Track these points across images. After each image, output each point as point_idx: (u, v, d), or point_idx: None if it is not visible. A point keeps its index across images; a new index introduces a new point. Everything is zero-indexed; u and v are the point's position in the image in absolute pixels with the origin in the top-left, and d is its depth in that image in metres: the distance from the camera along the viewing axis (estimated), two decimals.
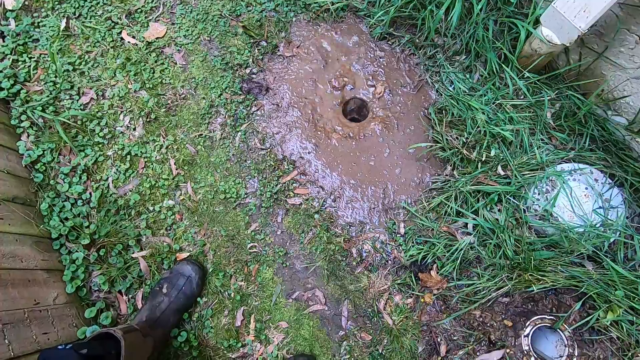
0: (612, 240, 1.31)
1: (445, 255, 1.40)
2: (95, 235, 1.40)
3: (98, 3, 1.77)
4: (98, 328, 1.29)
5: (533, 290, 1.28)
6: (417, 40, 1.71)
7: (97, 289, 1.37)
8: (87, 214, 1.44)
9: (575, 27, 1.26)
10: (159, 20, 1.78)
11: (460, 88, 1.60)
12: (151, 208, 1.50)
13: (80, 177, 1.49)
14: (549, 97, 1.50)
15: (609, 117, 1.46)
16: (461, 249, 1.38)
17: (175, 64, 1.72)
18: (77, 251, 1.37)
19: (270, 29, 1.78)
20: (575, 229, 1.30)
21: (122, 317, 1.37)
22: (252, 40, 1.76)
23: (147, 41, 1.73)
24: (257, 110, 1.67)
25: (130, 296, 1.39)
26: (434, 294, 1.39)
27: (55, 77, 1.61)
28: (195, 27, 1.77)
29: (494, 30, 1.55)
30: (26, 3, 1.72)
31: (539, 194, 1.40)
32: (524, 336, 1.28)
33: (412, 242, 1.46)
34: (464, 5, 1.52)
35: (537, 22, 1.42)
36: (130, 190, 1.51)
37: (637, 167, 1.40)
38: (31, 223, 1.32)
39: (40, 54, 1.65)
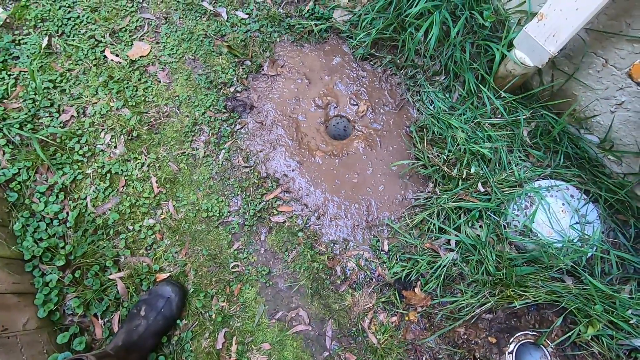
0: (589, 255, 1.34)
1: (428, 272, 1.40)
2: (71, 256, 1.35)
3: (82, 22, 1.77)
4: (70, 355, 1.23)
5: (515, 306, 1.29)
6: (398, 61, 1.76)
7: (71, 312, 1.32)
8: (63, 234, 1.39)
9: (546, 50, 1.32)
10: (143, 39, 1.79)
11: (440, 107, 1.64)
12: (131, 227, 1.46)
13: (57, 196, 1.45)
14: (524, 116, 1.55)
15: (582, 135, 1.52)
16: (444, 266, 1.38)
17: (159, 82, 1.72)
18: (51, 273, 1.32)
19: (255, 48, 1.80)
20: (554, 245, 1.33)
21: (97, 342, 1.31)
22: (236, 60, 1.78)
23: (130, 59, 1.73)
24: (241, 128, 1.67)
25: (106, 320, 1.33)
26: (418, 312, 1.39)
27: (35, 94, 1.58)
28: (180, 46, 1.79)
29: (470, 52, 1.61)
30: (7, 21, 1.71)
31: (518, 210, 1.43)
32: (508, 353, 1.28)
33: (396, 259, 1.46)
34: (442, 29, 1.59)
35: (511, 45, 1.49)
36: (110, 209, 1.48)
37: (610, 183, 1.45)
38: (3, 244, 1.27)
39: (20, 71, 1.62)
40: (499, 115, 1.58)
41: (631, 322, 1.22)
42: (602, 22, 1.26)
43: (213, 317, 1.37)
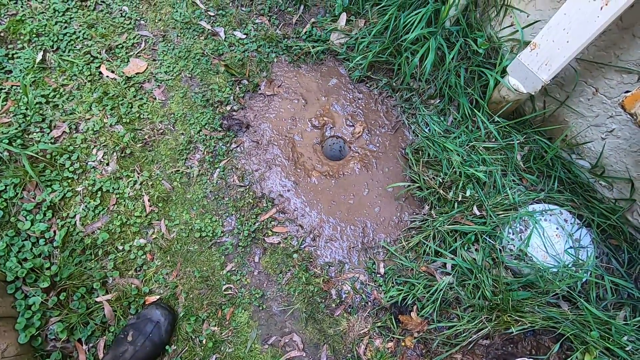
0: (584, 280, 1.35)
1: (425, 296, 1.39)
2: (57, 277, 1.30)
3: (78, 37, 1.76)
4: None
5: (512, 332, 1.27)
6: (393, 84, 1.79)
7: (54, 337, 1.25)
8: (49, 254, 1.34)
9: (539, 78, 1.35)
10: (140, 56, 1.79)
11: (435, 130, 1.66)
12: (120, 247, 1.42)
13: (44, 214, 1.40)
14: (518, 141, 1.57)
15: (574, 160, 1.55)
16: (441, 290, 1.37)
17: (155, 99, 1.71)
18: (34, 295, 1.26)
19: (252, 68, 1.81)
20: (549, 269, 1.33)
21: None
22: (233, 79, 1.78)
23: (126, 76, 1.72)
24: (237, 147, 1.66)
25: (90, 345, 1.27)
26: (415, 337, 1.36)
27: (26, 109, 1.55)
28: (177, 64, 1.79)
29: (465, 78, 1.64)
30: (1, 35, 1.69)
31: (513, 233, 1.43)
32: None
33: (392, 283, 1.44)
34: (437, 54, 1.62)
35: (504, 72, 1.52)
36: (99, 228, 1.43)
37: (602, 208, 1.47)
38: None
39: (12, 86, 1.60)
40: (493, 140, 1.60)
41: (627, 349, 1.22)
42: (592, 52, 1.30)
43: (204, 342, 1.32)
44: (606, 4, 1.08)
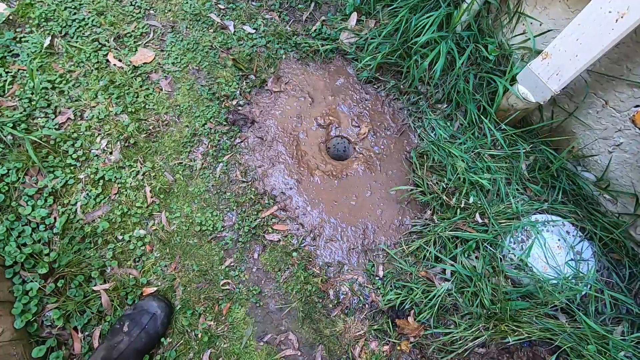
0: (583, 293, 1.34)
1: (423, 302, 1.38)
2: (55, 264, 1.30)
3: (87, 24, 1.75)
4: None
5: (509, 342, 1.27)
6: (401, 86, 1.78)
7: (49, 324, 1.25)
8: (48, 241, 1.34)
9: (549, 88, 1.34)
10: (148, 46, 1.78)
11: (441, 135, 1.65)
12: (120, 237, 1.41)
13: (45, 200, 1.40)
14: (523, 150, 1.56)
15: (579, 172, 1.54)
16: (439, 296, 1.36)
17: (161, 90, 1.70)
18: (32, 281, 1.26)
19: (260, 63, 1.80)
20: (549, 281, 1.32)
21: (75, 358, 1.24)
22: (240, 73, 1.77)
23: (133, 65, 1.71)
24: (241, 142, 1.65)
25: (86, 334, 1.27)
26: (411, 342, 1.36)
27: (32, 94, 1.54)
28: (185, 55, 1.78)
29: (474, 84, 1.63)
30: (10, 18, 1.68)
31: (514, 243, 1.42)
32: None
33: (391, 286, 1.44)
34: (447, 59, 1.61)
35: (513, 80, 1.51)
36: (100, 217, 1.43)
37: (605, 222, 1.46)
38: None
39: (19, 69, 1.59)
40: (499, 147, 1.59)
41: None
42: (604, 64, 1.29)
43: (199, 336, 1.32)
44: (622, 17, 1.07)
